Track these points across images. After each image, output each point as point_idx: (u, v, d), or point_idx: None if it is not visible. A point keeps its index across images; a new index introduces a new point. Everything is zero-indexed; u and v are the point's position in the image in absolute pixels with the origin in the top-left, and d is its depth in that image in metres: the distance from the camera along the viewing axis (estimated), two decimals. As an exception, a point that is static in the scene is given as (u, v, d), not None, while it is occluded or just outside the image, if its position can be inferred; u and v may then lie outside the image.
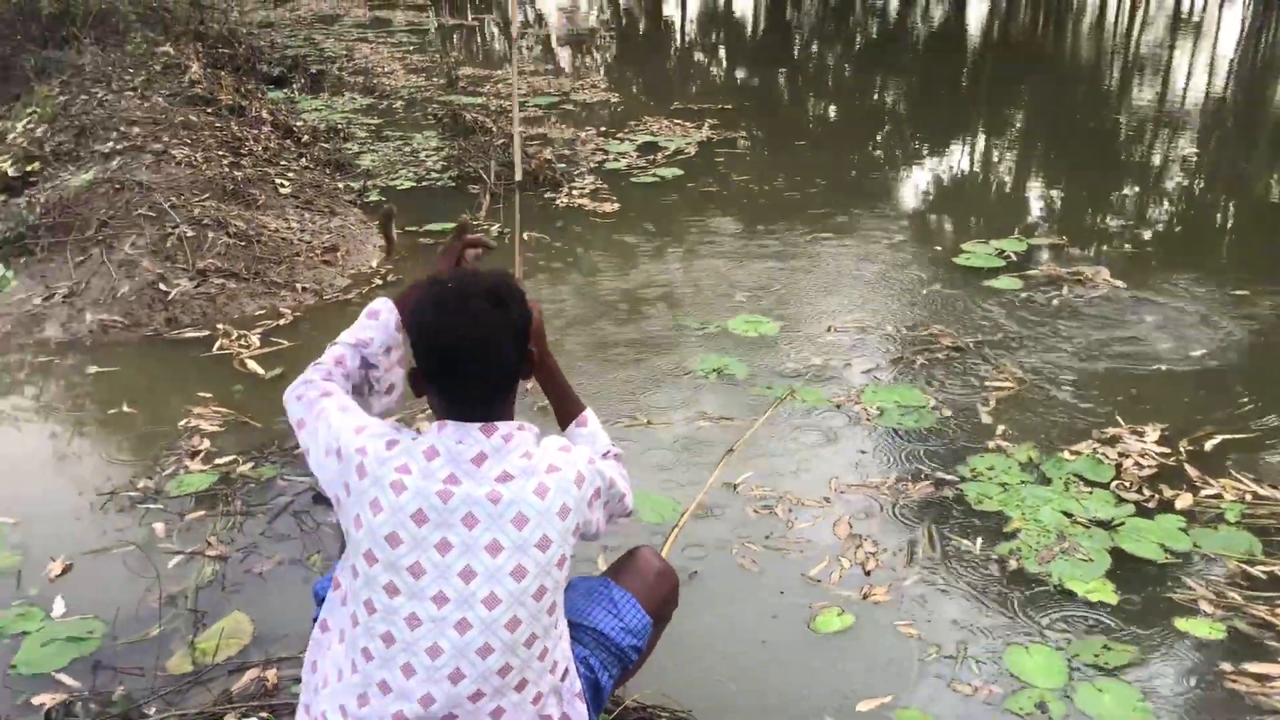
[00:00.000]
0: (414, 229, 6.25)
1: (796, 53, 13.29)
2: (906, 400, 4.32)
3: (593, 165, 7.59)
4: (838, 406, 4.28)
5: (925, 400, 4.32)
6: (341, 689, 1.79)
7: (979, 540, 3.44)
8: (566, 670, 1.93)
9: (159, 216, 5.57)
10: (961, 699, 2.79)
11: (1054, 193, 7.45)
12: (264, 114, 7.80)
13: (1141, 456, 3.88)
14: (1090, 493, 3.67)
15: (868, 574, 3.28)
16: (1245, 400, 4.30)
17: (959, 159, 8.41)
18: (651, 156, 7.80)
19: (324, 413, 1.93)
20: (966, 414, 4.23)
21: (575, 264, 5.86)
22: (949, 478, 3.79)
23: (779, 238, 6.27)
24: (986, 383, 4.49)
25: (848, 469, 3.86)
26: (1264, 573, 3.27)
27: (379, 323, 2.20)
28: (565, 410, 2.22)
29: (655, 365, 4.65)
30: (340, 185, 6.99)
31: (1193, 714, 2.77)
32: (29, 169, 6.44)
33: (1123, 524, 3.49)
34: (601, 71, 11.19)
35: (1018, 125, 9.54)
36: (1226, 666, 2.91)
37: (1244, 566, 3.30)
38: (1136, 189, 7.39)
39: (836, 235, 6.33)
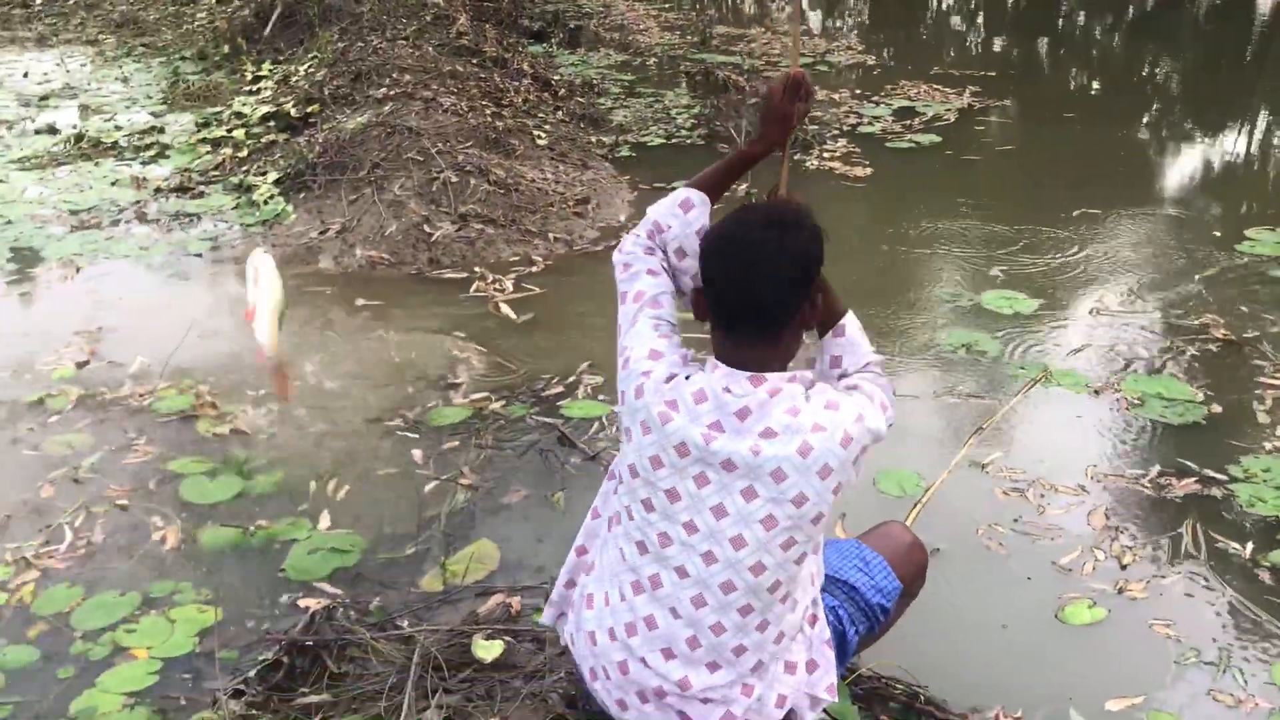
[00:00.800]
0: (661, 185, 6.31)
1: (1061, 21, 12.60)
2: (1172, 391, 4.05)
3: (845, 128, 7.44)
4: (1096, 393, 4.06)
5: (1193, 393, 4.04)
6: (607, 577, 1.95)
7: (1250, 545, 3.20)
8: (815, 617, 1.93)
9: (425, 161, 5.83)
10: (1221, 709, 2.61)
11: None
12: (524, 67, 8.02)
13: None
14: (1383, 504, 3.35)
15: (1124, 568, 3.11)
16: None
17: (1241, 139, 7.79)
18: (908, 122, 7.58)
19: (638, 315, 1.92)
20: (1240, 411, 3.93)
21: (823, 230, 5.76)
22: (1218, 476, 3.53)
23: (1042, 212, 5.97)
24: (1264, 380, 4.16)
25: (1105, 458, 3.66)
26: None
27: (685, 218, 2.03)
28: (825, 316, 2.03)
29: (903, 336, 4.53)
30: (593, 139, 7.12)
31: None
32: (309, 110, 6.86)
33: None
34: (856, 34, 10.94)
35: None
36: None
37: None
38: None
39: (1104, 212, 5.98)
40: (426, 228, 5.36)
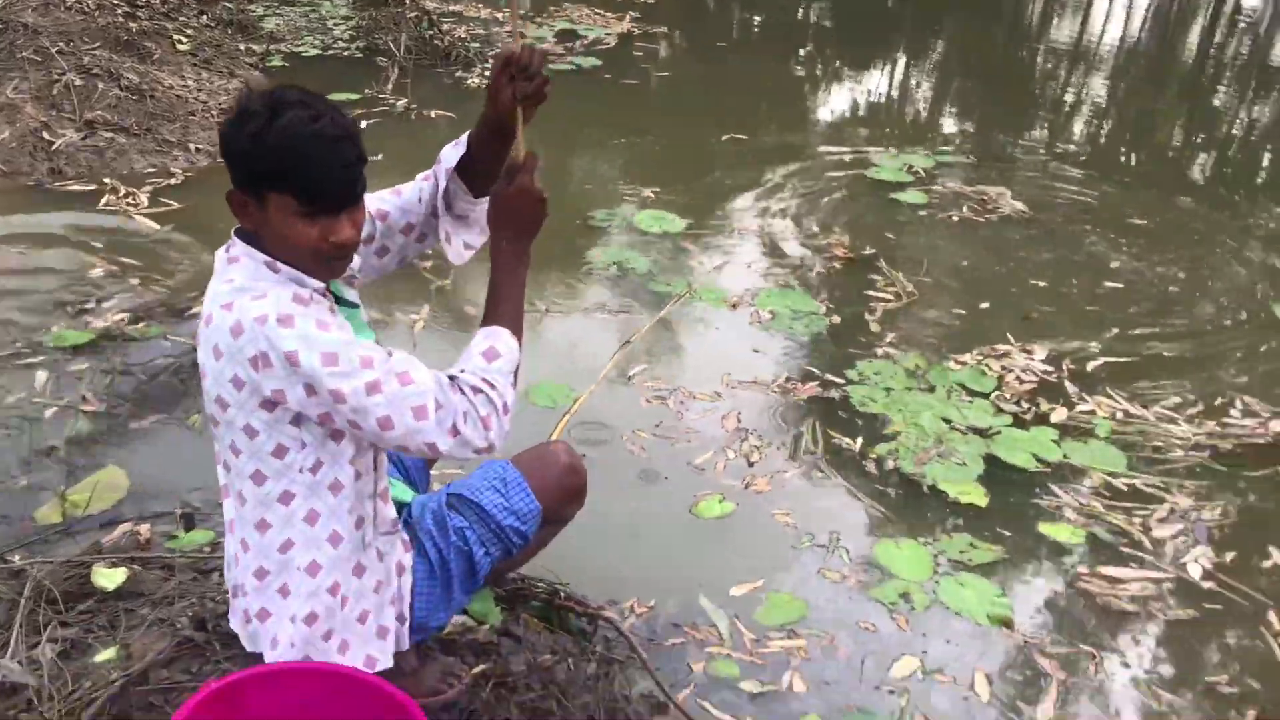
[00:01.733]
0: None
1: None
2: (800, 305, 4.37)
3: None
4: (734, 307, 4.32)
5: (818, 306, 4.37)
6: None
7: (860, 440, 3.53)
8: (318, 566, 1.86)
9: (45, 61, 5.30)
10: (830, 585, 2.89)
11: (967, 117, 7.53)
12: (163, -35, 7.42)
13: (1024, 372, 4.00)
14: (971, 402, 3.78)
15: (751, 465, 3.35)
16: (1134, 326, 4.45)
17: (878, 78, 8.43)
18: (569, 44, 7.65)
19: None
20: (857, 321, 4.30)
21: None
22: (836, 380, 3.86)
23: (694, 136, 6.22)
24: (879, 293, 4.56)
25: (739, 366, 3.90)
26: (1126, 485, 3.43)
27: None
28: (488, 312, 1.90)
29: (556, 255, 4.61)
30: (242, 47, 6.71)
31: (1046, 610, 2.91)
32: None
33: (999, 433, 3.61)
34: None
35: (938, 51, 9.59)
36: (1083, 569, 3.06)
37: (1108, 479, 3.45)
38: (1048, 119, 7.51)
39: (750, 139, 6.30)
40: (46, 135, 4.89)
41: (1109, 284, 4.82)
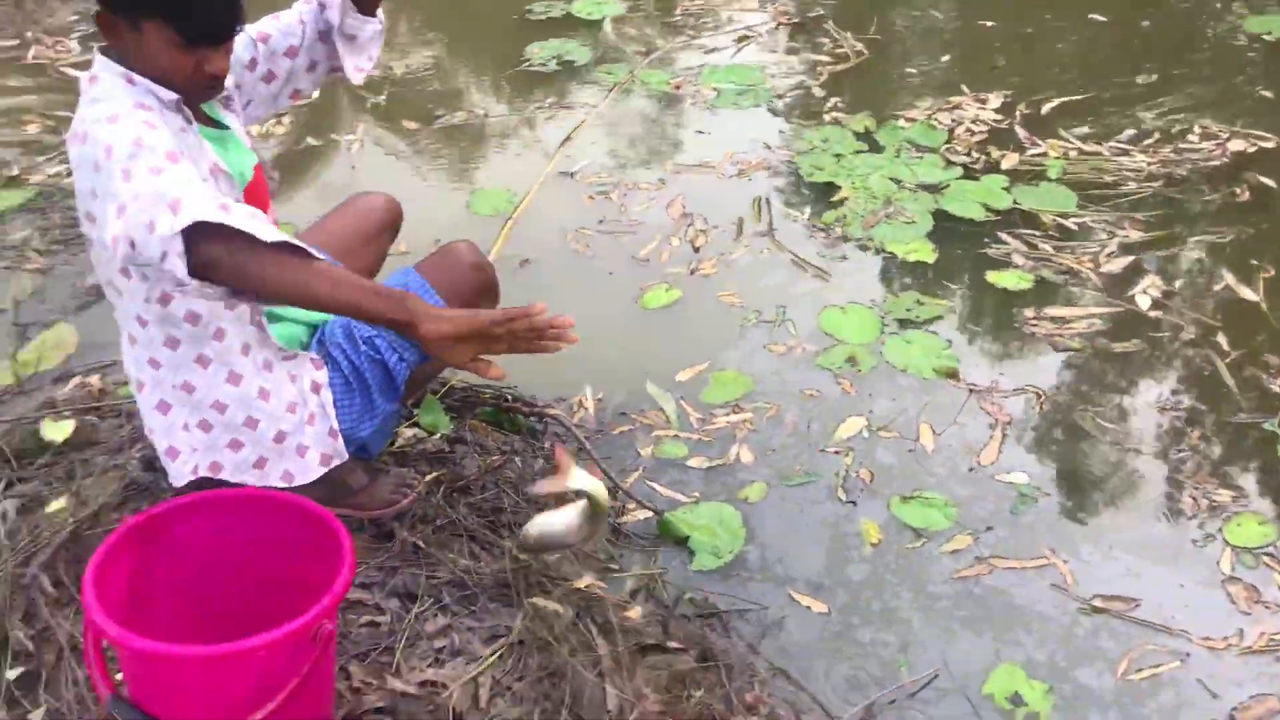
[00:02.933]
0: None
1: None
2: (743, 79, 4.25)
3: None
4: (677, 88, 4.21)
5: (762, 78, 4.26)
6: None
7: (807, 210, 3.50)
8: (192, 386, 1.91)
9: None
10: (776, 358, 2.92)
11: None
12: None
13: (974, 122, 3.92)
14: (921, 158, 3.72)
15: (696, 250, 3.33)
16: (1096, 68, 4.33)
17: None
18: None
19: None
20: (803, 89, 4.20)
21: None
22: (783, 152, 3.80)
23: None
24: (825, 56, 4.43)
25: (684, 151, 3.84)
26: (1075, 224, 3.40)
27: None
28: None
29: (492, 53, 4.48)
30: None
31: (992, 357, 2.94)
32: None
33: (948, 187, 3.56)
34: None
35: None
36: (1029, 312, 3.07)
37: (1058, 219, 3.42)
38: None
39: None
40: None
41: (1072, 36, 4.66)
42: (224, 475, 1.96)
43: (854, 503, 2.48)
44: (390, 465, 2.41)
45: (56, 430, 2.45)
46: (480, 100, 4.15)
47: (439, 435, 2.56)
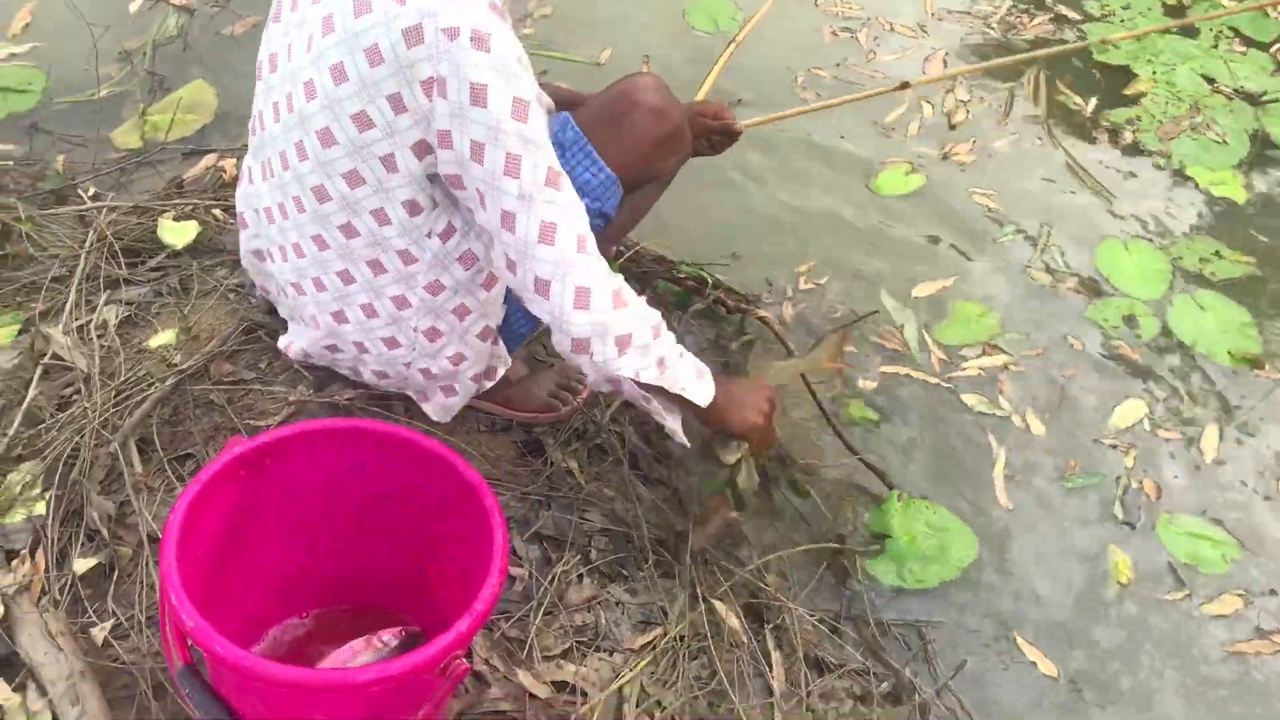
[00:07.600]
0: None
1: None
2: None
3: None
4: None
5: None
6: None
7: (1093, 100, 2.85)
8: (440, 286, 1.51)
9: None
10: (1034, 291, 2.35)
11: None
12: None
13: (1318, 14, 3.14)
14: (1245, 53, 2.98)
15: (953, 127, 2.72)
16: None
17: None
18: None
19: None
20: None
21: None
22: (1072, 16, 3.09)
23: None
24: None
25: (951, -9, 3.16)
26: None
27: None
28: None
29: None
30: None
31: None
32: None
33: (1275, 101, 2.85)
34: None
35: None
36: (1357, 295, 2.44)
37: None
38: None
39: None
40: None
41: None
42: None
43: (1131, 524, 1.98)
44: (553, 361, 1.98)
45: (175, 234, 2.06)
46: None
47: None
